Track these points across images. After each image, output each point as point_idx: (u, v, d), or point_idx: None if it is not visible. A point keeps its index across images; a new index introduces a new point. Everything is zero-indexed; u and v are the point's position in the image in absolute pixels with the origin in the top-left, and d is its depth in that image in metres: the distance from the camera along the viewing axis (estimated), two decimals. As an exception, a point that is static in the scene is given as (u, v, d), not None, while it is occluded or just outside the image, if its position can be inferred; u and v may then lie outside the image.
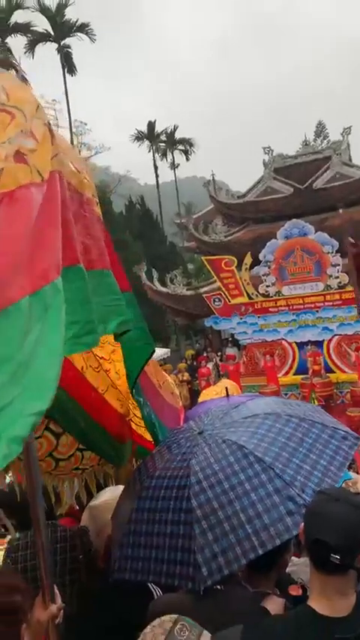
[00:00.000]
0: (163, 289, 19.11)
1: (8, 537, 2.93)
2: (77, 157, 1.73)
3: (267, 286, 14.46)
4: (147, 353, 2.13)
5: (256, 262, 14.57)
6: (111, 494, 2.80)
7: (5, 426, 1.00)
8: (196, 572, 1.78)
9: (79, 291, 1.48)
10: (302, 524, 1.59)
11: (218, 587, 1.81)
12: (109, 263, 1.69)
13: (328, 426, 2.18)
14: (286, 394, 13.22)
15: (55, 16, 32.05)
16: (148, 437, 2.73)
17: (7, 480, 3.03)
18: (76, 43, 34.12)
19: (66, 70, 33.58)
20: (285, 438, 2.05)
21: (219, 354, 18.06)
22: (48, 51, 33.08)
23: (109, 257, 1.71)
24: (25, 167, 1.28)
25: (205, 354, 18.33)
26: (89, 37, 33.40)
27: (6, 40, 30.46)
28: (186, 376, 16.04)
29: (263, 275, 14.50)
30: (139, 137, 43.27)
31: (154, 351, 2.19)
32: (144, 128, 43.18)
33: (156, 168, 43.06)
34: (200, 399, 5.96)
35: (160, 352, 16.46)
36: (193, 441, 2.16)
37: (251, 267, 14.54)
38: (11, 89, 1.39)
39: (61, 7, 32.18)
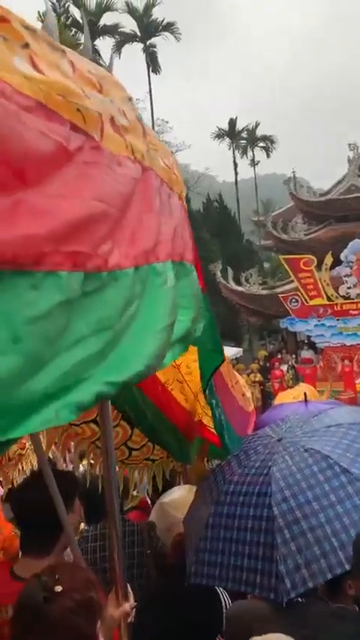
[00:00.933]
0: (238, 288, 18.97)
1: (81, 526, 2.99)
2: (167, 152, 1.68)
3: (348, 288, 13.91)
4: (217, 361, 2.08)
5: (337, 262, 14.08)
6: (182, 492, 2.80)
7: (67, 390, 0.82)
8: (278, 583, 1.73)
9: (191, 286, 1.45)
10: None
11: (299, 599, 1.78)
12: (194, 260, 1.65)
13: None
14: (363, 401, 12.67)
15: (143, 17, 32.68)
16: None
17: (81, 468, 3.10)
18: (160, 42, 34.64)
19: (150, 69, 34.19)
20: None
21: (294, 356, 17.64)
22: (134, 51, 33.87)
23: (194, 254, 1.67)
24: (121, 139, 1.11)
25: (279, 356, 17.98)
26: (174, 37, 33.79)
27: (95, 42, 31.49)
28: (258, 377, 15.80)
29: (344, 276, 13.97)
30: (220, 135, 43.16)
31: (223, 361, 2.13)
32: (224, 125, 43.07)
33: (235, 165, 42.77)
34: (276, 402, 5.82)
35: (232, 352, 16.35)
36: (272, 448, 2.11)
37: (332, 267, 14.06)
38: (103, 78, 1.20)
39: (149, 8, 32.78)
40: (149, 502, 3.61)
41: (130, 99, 1.34)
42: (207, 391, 2.27)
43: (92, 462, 2.75)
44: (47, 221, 0.76)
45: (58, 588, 1.16)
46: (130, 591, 1.75)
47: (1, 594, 1.63)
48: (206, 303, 1.79)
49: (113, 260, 0.97)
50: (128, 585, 1.75)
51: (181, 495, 2.76)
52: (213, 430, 2.77)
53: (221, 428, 2.52)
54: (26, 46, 0.82)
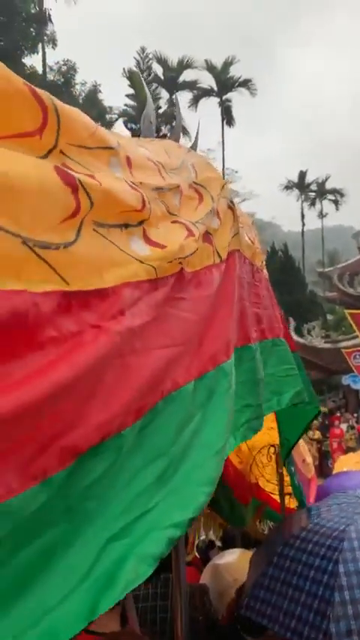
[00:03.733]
0: (300, 340, 18.64)
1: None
2: (250, 226, 1.74)
3: None
4: (311, 415, 2.06)
5: None
6: (237, 555, 2.71)
7: (138, 540, 0.82)
8: None
9: (250, 372, 1.42)
10: None
11: None
12: (282, 330, 1.65)
13: None
14: None
15: (220, 74, 34.31)
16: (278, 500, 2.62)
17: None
18: (234, 96, 36.08)
19: (225, 121, 35.54)
20: None
21: (355, 415, 16.89)
22: (209, 105, 35.43)
23: (281, 321, 1.68)
24: (209, 247, 1.26)
25: (339, 414, 17.27)
26: (250, 92, 35.13)
27: (172, 96, 33.22)
28: (317, 435, 15.21)
29: None
30: (289, 186, 43.66)
31: (319, 413, 2.08)
32: (292, 176, 43.56)
33: (302, 216, 42.94)
34: (337, 466, 5.54)
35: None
36: (354, 509, 2.05)
37: None
38: (200, 168, 1.41)
39: (227, 65, 34.43)
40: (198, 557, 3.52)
41: (224, 186, 1.45)
42: (286, 460, 2.23)
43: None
44: (127, 389, 0.84)
45: None
46: None
47: None
48: (298, 361, 1.82)
49: (168, 386, 1.00)
50: None
51: (235, 559, 2.68)
52: (270, 492, 2.70)
53: (300, 494, 2.45)
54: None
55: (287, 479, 2.55)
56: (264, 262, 1.79)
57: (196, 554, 3.62)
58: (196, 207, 1.27)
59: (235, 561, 2.67)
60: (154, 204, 1.00)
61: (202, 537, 3.89)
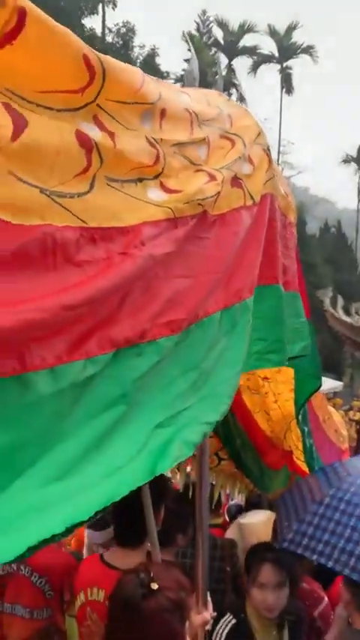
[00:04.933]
0: (347, 319, 18.18)
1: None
2: (284, 181, 1.79)
3: None
4: (314, 386, 2.12)
5: None
6: (262, 517, 2.74)
7: (180, 429, 1.06)
8: None
9: (273, 310, 1.55)
10: None
11: None
12: (299, 286, 1.72)
13: None
14: None
15: (282, 39, 32.89)
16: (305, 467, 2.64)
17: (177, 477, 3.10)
18: (295, 64, 34.65)
19: (284, 90, 34.24)
20: None
21: None
22: (269, 72, 34.12)
23: (299, 280, 1.74)
24: (239, 191, 1.38)
25: (381, 396, 16.90)
26: (312, 59, 33.57)
27: (232, 62, 32.23)
28: (358, 416, 14.97)
29: None
30: (347, 160, 41.92)
31: (319, 386, 2.15)
32: (352, 151, 41.74)
33: (359, 192, 41.27)
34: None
35: (331, 384, 15.64)
36: None
37: None
38: (236, 117, 1.50)
39: (290, 30, 32.93)
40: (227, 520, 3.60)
41: (259, 133, 1.50)
42: (300, 417, 2.25)
43: (189, 469, 2.80)
44: (151, 305, 1.03)
45: (155, 586, 1.21)
46: (210, 600, 1.77)
47: (97, 579, 1.74)
48: (310, 328, 1.88)
49: (202, 311, 1.21)
50: (208, 594, 1.77)
51: (260, 520, 2.71)
52: (302, 463, 2.73)
53: (311, 458, 2.47)
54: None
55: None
56: (296, 219, 1.82)
57: (226, 517, 3.71)
58: (226, 155, 1.36)
59: (258, 523, 2.69)
60: (172, 158, 1.13)
61: (233, 501, 3.97)
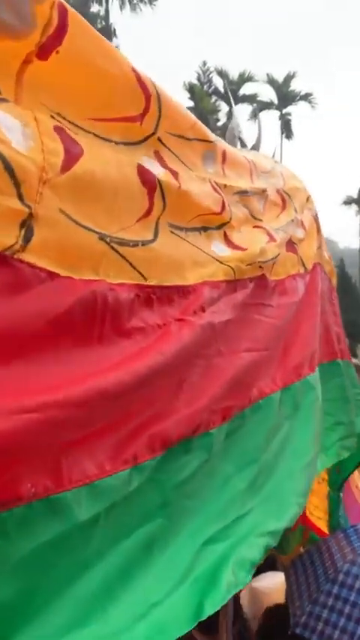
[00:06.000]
0: (354, 360, 18.05)
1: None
2: (325, 244, 1.73)
3: None
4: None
5: None
6: (276, 579, 2.64)
7: (235, 544, 0.83)
8: None
9: (340, 389, 1.39)
10: None
11: None
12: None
13: None
14: None
15: (281, 87, 34.22)
16: (324, 527, 2.53)
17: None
18: (294, 110, 36.00)
19: (284, 135, 35.36)
20: None
21: None
22: (268, 117, 35.39)
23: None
24: (294, 257, 1.26)
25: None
26: (311, 106, 34.81)
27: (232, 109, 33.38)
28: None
29: None
30: (347, 202, 42.74)
31: None
32: (351, 192, 42.63)
33: (361, 233, 41.85)
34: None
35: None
36: None
37: None
38: (287, 176, 1.40)
39: (288, 79, 34.32)
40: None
41: (309, 198, 1.44)
42: (340, 483, 2.14)
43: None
44: (212, 389, 0.82)
45: None
46: None
47: None
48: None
49: (256, 394, 0.97)
50: None
51: (274, 582, 2.62)
52: (314, 518, 2.60)
53: (338, 523, 2.35)
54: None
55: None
56: (335, 283, 1.78)
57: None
58: (278, 215, 1.23)
59: (272, 585, 2.61)
60: (235, 208, 0.96)
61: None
